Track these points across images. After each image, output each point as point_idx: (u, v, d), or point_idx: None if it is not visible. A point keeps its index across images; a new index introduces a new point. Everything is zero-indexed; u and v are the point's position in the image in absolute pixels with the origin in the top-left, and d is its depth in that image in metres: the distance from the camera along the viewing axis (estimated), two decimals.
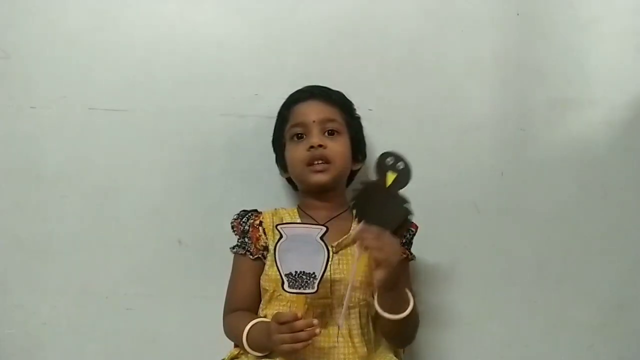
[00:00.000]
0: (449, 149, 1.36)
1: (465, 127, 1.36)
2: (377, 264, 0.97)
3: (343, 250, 1.12)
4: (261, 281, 1.14)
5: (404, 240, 1.16)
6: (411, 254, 1.18)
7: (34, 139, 1.29)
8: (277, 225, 0.97)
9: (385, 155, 0.99)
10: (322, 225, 0.99)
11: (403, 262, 1.16)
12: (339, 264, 1.11)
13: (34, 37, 1.29)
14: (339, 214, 1.18)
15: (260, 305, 1.15)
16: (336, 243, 1.11)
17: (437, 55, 1.36)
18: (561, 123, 1.39)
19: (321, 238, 0.95)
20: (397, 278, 1.01)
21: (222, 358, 1.13)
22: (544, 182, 1.39)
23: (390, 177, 0.98)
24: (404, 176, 0.97)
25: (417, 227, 1.18)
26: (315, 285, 0.94)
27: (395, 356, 1.12)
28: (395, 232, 1.00)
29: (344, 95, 1.22)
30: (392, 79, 1.35)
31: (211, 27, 1.32)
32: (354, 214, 1.01)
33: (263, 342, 1.02)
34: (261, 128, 1.28)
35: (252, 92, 1.32)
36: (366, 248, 0.98)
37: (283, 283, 0.96)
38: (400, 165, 0.98)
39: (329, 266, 1.06)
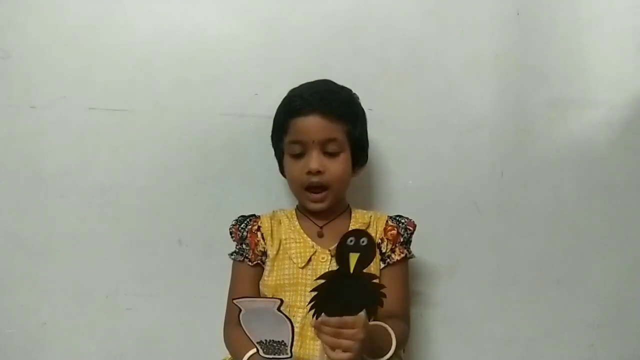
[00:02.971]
0: (449, 149, 1.36)
1: (465, 127, 1.36)
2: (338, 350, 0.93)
3: None
4: (260, 287, 1.14)
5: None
6: (409, 252, 1.18)
7: (34, 139, 1.29)
8: (233, 300, 0.93)
9: (345, 236, 0.90)
10: (277, 298, 0.90)
11: (402, 262, 1.16)
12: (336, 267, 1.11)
13: (34, 37, 1.29)
14: (338, 216, 1.18)
15: None
16: (332, 247, 1.11)
17: (437, 55, 1.36)
18: (561, 123, 1.39)
19: (278, 309, 0.89)
20: (368, 347, 0.96)
21: (223, 358, 1.13)
22: (544, 182, 1.39)
23: (353, 258, 0.90)
24: (368, 252, 0.89)
25: (414, 226, 1.18)
26: (288, 351, 0.92)
27: (395, 356, 1.12)
28: (368, 312, 0.93)
29: (347, 98, 1.17)
30: (392, 79, 1.35)
31: (211, 27, 1.32)
32: (312, 314, 0.92)
33: None
34: (261, 128, 1.28)
35: (252, 92, 1.32)
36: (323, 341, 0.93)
37: (258, 350, 0.93)
38: (364, 241, 0.89)
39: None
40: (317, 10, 1.33)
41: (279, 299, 0.89)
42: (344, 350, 0.92)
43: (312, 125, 1.11)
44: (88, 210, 1.30)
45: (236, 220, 1.18)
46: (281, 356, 0.92)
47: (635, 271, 1.41)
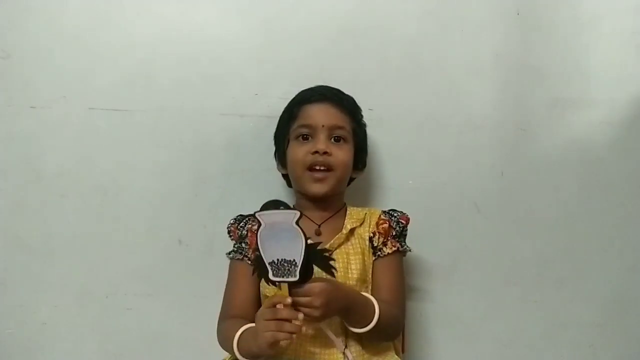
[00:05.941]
0: (449, 149, 1.36)
1: (465, 127, 1.36)
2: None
3: (337, 250, 1.13)
4: (261, 287, 1.13)
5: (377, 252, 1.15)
6: (402, 245, 1.17)
7: (34, 139, 1.29)
8: (254, 213, 0.94)
9: (268, 204, 0.94)
10: (297, 210, 0.94)
11: (394, 254, 1.15)
12: (334, 262, 1.11)
13: (34, 37, 1.29)
14: (334, 214, 1.18)
15: None
16: (329, 244, 1.12)
17: (437, 55, 1.36)
18: (561, 123, 1.39)
19: (296, 223, 0.92)
20: (338, 308, 1.00)
21: (223, 358, 1.13)
22: (544, 182, 1.39)
23: None
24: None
25: (407, 220, 1.18)
26: (297, 273, 0.92)
27: (396, 355, 1.12)
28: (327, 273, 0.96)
29: (354, 102, 1.21)
30: (392, 79, 1.35)
31: (211, 27, 1.32)
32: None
33: (252, 347, 0.98)
34: (261, 128, 1.28)
35: (252, 92, 1.32)
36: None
37: (267, 272, 0.94)
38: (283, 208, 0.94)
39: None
40: (317, 11, 1.34)
41: (298, 211, 0.92)
42: (307, 317, 0.95)
43: (322, 110, 1.15)
44: (88, 210, 1.30)
45: (234, 219, 1.18)
46: (289, 279, 0.93)
47: (635, 271, 1.41)
